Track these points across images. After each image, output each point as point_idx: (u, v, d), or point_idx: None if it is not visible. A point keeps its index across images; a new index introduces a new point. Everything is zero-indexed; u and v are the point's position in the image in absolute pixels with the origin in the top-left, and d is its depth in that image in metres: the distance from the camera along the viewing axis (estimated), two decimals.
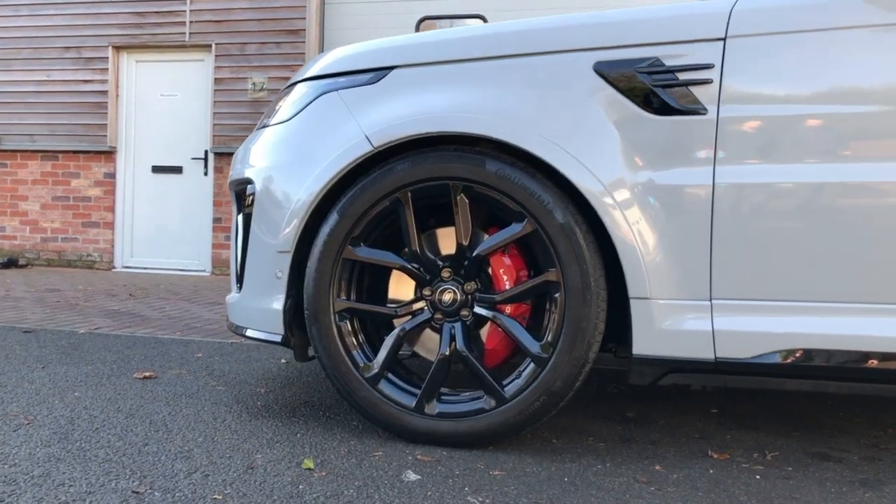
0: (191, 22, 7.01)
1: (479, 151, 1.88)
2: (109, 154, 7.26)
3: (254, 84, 6.88)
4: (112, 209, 7.31)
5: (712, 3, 1.80)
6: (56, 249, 7.43)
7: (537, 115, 1.83)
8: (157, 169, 7.24)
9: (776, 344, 1.74)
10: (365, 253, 1.96)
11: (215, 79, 6.98)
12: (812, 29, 1.72)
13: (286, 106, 2.12)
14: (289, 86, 2.20)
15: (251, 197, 2.12)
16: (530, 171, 1.84)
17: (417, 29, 6.98)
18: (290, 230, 1.99)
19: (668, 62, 1.78)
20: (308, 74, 2.11)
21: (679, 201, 1.77)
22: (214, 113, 6.99)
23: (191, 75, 7.17)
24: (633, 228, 1.77)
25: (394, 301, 2.06)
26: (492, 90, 1.88)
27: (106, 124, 7.20)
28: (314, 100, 2.05)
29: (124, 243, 7.35)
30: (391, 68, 1.98)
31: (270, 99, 6.86)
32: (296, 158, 2.02)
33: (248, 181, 2.13)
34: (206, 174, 7.11)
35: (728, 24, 1.76)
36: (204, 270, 7.13)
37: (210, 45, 7.00)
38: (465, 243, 1.91)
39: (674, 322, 1.78)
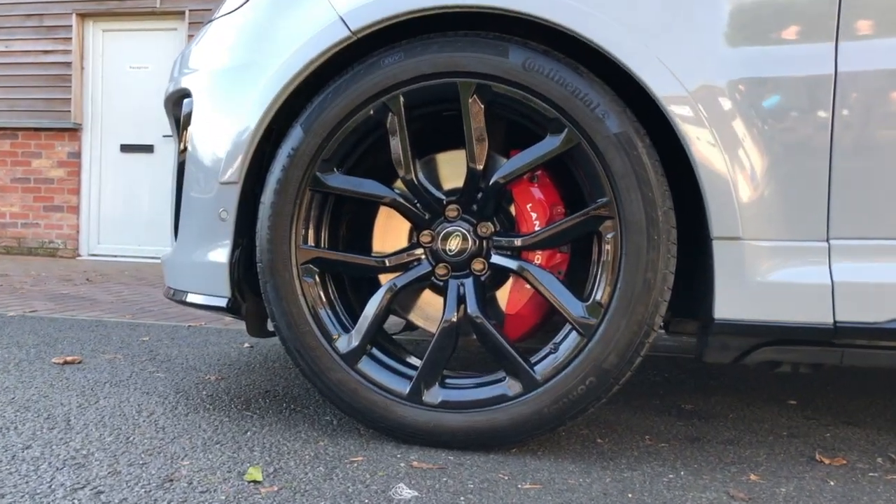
0: None
1: (499, 35, 1.34)
2: (74, 132, 6.66)
3: None
4: (77, 192, 6.72)
5: None
6: (15, 236, 6.82)
7: None
8: (126, 148, 6.65)
9: None
10: (339, 182, 1.42)
11: None
12: None
13: None
14: None
15: (189, 116, 1.57)
16: (571, 61, 1.31)
17: None
18: (238, 155, 1.44)
19: None
20: None
21: (782, 97, 1.24)
22: None
23: (162, 45, 6.58)
24: (716, 136, 1.24)
25: (381, 254, 1.52)
26: None
27: (70, 99, 6.60)
28: None
29: (90, 229, 6.75)
30: None
31: None
32: (247, 56, 1.48)
33: (186, 93, 1.59)
34: None
35: None
36: None
37: (183, 12, 6.43)
38: (479, 168, 1.37)
39: (775, 272, 1.26)
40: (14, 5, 6.71)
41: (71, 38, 6.61)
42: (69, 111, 6.61)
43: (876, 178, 1.22)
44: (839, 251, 1.24)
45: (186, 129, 1.61)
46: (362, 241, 1.56)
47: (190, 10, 6.39)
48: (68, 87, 6.61)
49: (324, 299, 1.43)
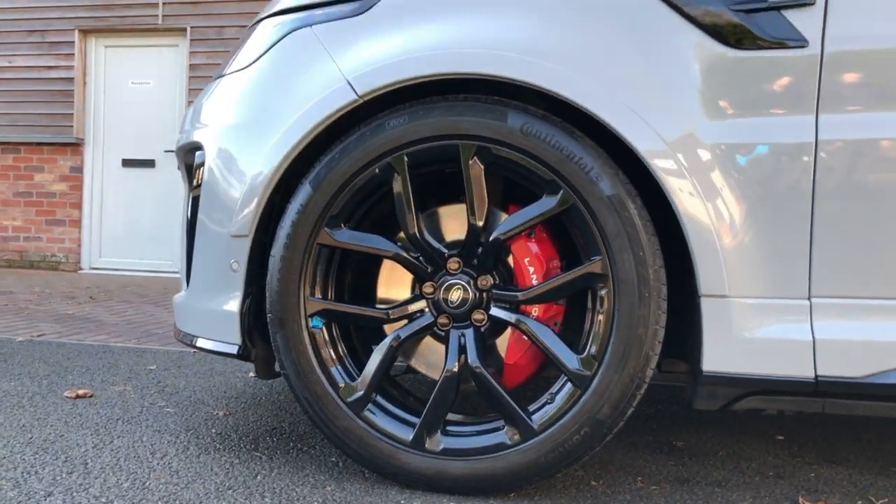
0: (164, 3, 6.50)
1: (499, 100, 1.41)
2: (76, 146, 6.73)
3: None
4: (79, 206, 6.78)
5: None
6: (17, 249, 6.88)
7: (577, 52, 1.37)
8: (127, 162, 6.72)
9: None
10: (346, 237, 1.49)
11: (191, 65, 6.48)
12: None
13: (248, 49, 1.65)
14: (254, 24, 1.72)
15: (200, 169, 1.64)
16: (567, 126, 1.38)
17: None
18: (248, 208, 1.51)
19: None
20: (277, 8, 1.64)
21: (768, 164, 1.31)
22: (190, 102, 6.47)
23: (164, 61, 6.66)
24: (706, 202, 1.31)
25: (385, 302, 1.59)
26: (515, 19, 1.41)
27: (72, 114, 6.67)
28: (282, 38, 1.58)
29: (92, 243, 6.82)
30: None
31: None
32: (258, 114, 1.55)
33: (198, 146, 1.66)
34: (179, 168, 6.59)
35: None
36: (177, 272, 6.61)
37: (185, 29, 6.50)
38: (480, 224, 1.44)
39: (760, 328, 1.33)
40: (17, 21, 6.77)
41: (73, 54, 6.68)
42: (71, 126, 6.68)
43: (854, 241, 1.29)
44: (820, 309, 1.31)
45: (196, 178, 1.68)
46: (367, 288, 1.62)
47: (192, 28, 6.46)
48: (70, 103, 6.67)
49: (331, 348, 1.50)
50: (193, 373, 2.50)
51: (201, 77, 6.42)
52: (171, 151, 6.61)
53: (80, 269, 6.82)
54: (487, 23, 1.42)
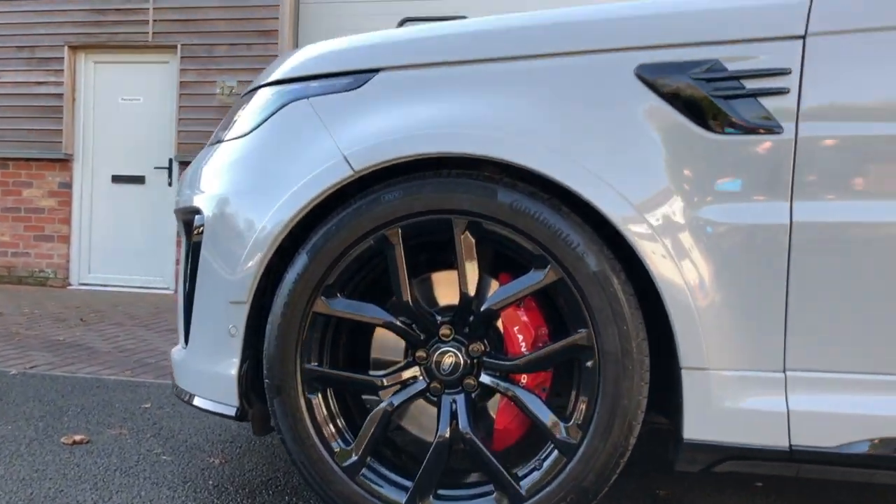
0: (154, 21, 6.52)
1: (489, 178, 1.47)
2: (65, 162, 6.73)
3: (222, 88, 6.41)
4: (68, 221, 6.78)
5: None
6: (6, 265, 6.87)
7: (564, 133, 1.43)
8: (117, 178, 6.73)
9: (868, 429, 1.35)
10: (342, 306, 1.54)
11: (181, 82, 6.50)
12: None
13: (245, 116, 1.70)
14: (249, 91, 1.78)
15: (199, 231, 1.69)
16: (555, 203, 1.44)
17: None
18: (246, 276, 1.56)
19: (732, 66, 1.39)
20: (273, 78, 1.69)
21: (746, 245, 1.37)
22: (180, 119, 6.50)
23: (154, 78, 6.67)
24: (686, 279, 1.38)
25: (379, 365, 1.65)
26: (504, 99, 1.48)
27: (61, 130, 6.67)
28: (280, 109, 1.63)
29: (81, 258, 6.82)
30: (375, 70, 1.57)
31: None
32: (255, 183, 1.60)
33: (196, 211, 1.71)
34: (170, 184, 6.62)
35: (808, 16, 1.37)
36: (168, 288, 6.64)
37: (175, 46, 6.52)
38: (471, 294, 1.50)
39: (737, 399, 1.39)
40: (6, 37, 6.77)
41: (62, 70, 6.68)
42: (60, 142, 6.68)
43: (827, 318, 1.35)
44: (794, 382, 1.38)
45: (195, 234, 1.72)
46: (362, 351, 1.68)
47: (182, 45, 6.48)
48: (59, 119, 6.68)
49: (326, 414, 1.55)
50: (188, 412, 2.55)
51: (192, 94, 6.46)
52: (161, 168, 6.64)
53: (69, 284, 6.82)
54: (476, 102, 1.48)
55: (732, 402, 1.39)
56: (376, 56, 1.58)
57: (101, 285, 6.74)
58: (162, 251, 6.63)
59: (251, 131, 1.65)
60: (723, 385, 1.39)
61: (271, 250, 1.55)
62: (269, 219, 1.54)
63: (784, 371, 1.38)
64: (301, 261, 1.53)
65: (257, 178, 1.60)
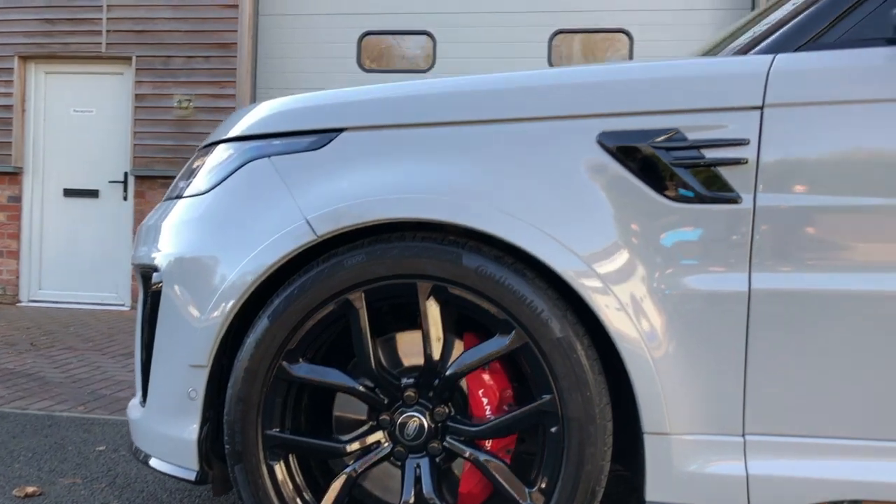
0: (108, 31, 6.37)
1: (454, 241, 1.47)
2: (14, 175, 6.53)
3: (179, 101, 6.29)
4: (17, 236, 6.58)
5: (744, 61, 1.44)
6: None
7: (527, 198, 1.44)
8: (69, 192, 6.55)
9: (828, 493, 1.39)
10: (304, 371, 1.52)
11: (136, 94, 6.36)
12: (877, 99, 1.37)
13: (205, 173, 1.66)
14: (207, 145, 1.74)
15: (158, 288, 1.65)
16: (519, 268, 1.45)
17: (360, 45, 6.57)
18: (206, 340, 1.53)
19: (692, 135, 1.41)
20: (233, 133, 1.66)
21: (706, 312, 1.40)
22: (135, 132, 6.36)
23: (108, 90, 6.52)
24: (648, 346, 1.39)
25: (343, 418, 1.63)
26: (470, 164, 1.48)
27: (10, 142, 6.46)
28: (240, 167, 1.60)
29: (31, 275, 6.62)
30: (339, 130, 1.55)
31: (198, 118, 6.30)
32: (215, 245, 1.57)
33: (155, 268, 1.67)
34: (125, 199, 6.47)
35: (766, 88, 1.40)
36: (123, 305, 6.49)
37: (130, 58, 6.38)
38: (436, 358, 1.49)
39: (698, 463, 1.41)
40: None
41: (12, 81, 6.48)
42: (10, 154, 6.48)
43: (785, 383, 1.38)
44: (753, 446, 1.40)
45: (153, 292, 1.68)
46: (325, 413, 1.66)
47: (137, 56, 6.35)
48: (9, 131, 6.48)
49: (289, 481, 1.53)
50: None
51: (148, 107, 6.33)
52: (116, 182, 6.50)
53: (19, 301, 6.62)
54: (441, 166, 1.48)
55: (693, 466, 1.41)
56: (340, 115, 1.57)
57: (53, 302, 6.55)
58: (116, 267, 6.48)
59: (211, 189, 1.62)
60: (684, 449, 1.41)
61: (232, 313, 1.52)
62: (230, 282, 1.52)
63: (743, 435, 1.40)
64: (262, 325, 1.50)
65: (217, 240, 1.57)
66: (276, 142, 1.59)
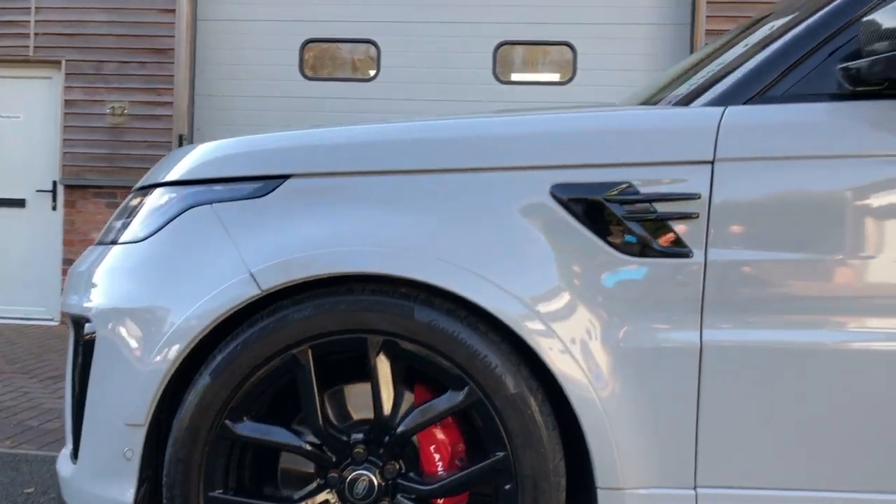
0: (36, 34, 6.08)
1: (406, 294, 1.43)
2: None
3: (113, 108, 6.06)
4: None
5: (696, 115, 1.45)
6: None
7: (481, 251, 1.42)
8: None
9: None
10: (248, 430, 1.46)
11: (66, 100, 6.09)
12: (827, 155, 1.39)
13: (142, 218, 1.58)
14: (143, 187, 1.65)
15: (91, 339, 1.55)
16: (473, 321, 1.42)
17: (302, 52, 6.44)
18: (143, 397, 1.45)
19: (644, 189, 1.41)
20: (171, 177, 1.58)
21: (658, 366, 1.40)
22: (65, 139, 6.09)
23: (36, 95, 6.22)
24: (601, 401, 1.38)
25: (290, 472, 1.57)
26: (424, 214, 1.44)
27: None
28: (180, 214, 1.53)
29: None
30: (285, 177, 1.50)
31: (132, 126, 6.08)
32: (153, 297, 1.49)
33: (87, 319, 1.57)
34: (54, 209, 6.19)
35: (716, 142, 1.41)
36: (52, 319, 6.20)
37: (59, 62, 6.10)
38: (386, 413, 1.45)
39: None
40: None
41: None
42: None
43: (736, 435, 1.39)
44: (705, 499, 1.41)
45: (85, 343, 1.59)
46: (270, 469, 1.59)
47: (67, 61, 6.08)
48: None
49: None
50: None
51: (79, 114, 6.08)
52: (45, 191, 6.22)
53: None
54: (392, 216, 1.44)
55: None
56: (285, 160, 1.51)
57: None
58: (46, 280, 6.20)
59: (149, 237, 1.54)
60: (637, 503, 1.41)
61: (171, 370, 1.45)
62: (169, 337, 1.44)
63: (695, 488, 1.41)
64: (203, 382, 1.44)
65: (155, 292, 1.49)
66: (218, 187, 1.52)
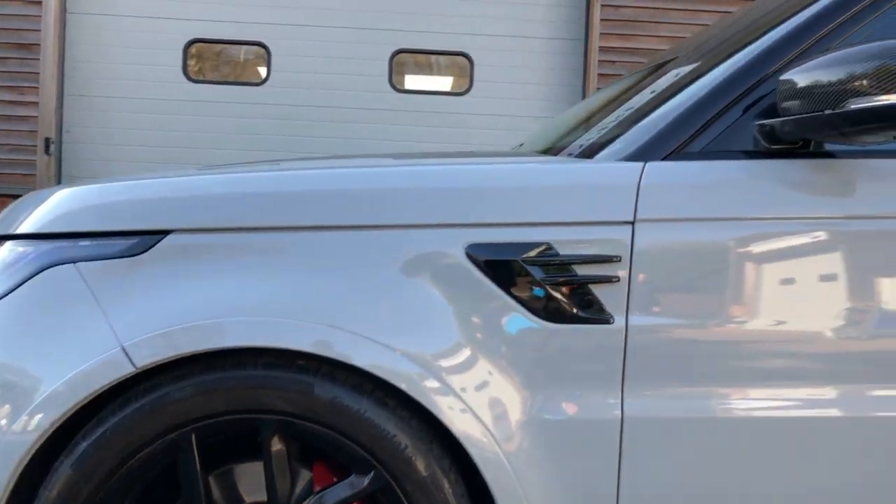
0: None
1: (304, 368, 1.28)
2: None
3: None
4: None
5: (615, 169, 1.37)
6: None
7: (387, 317, 1.29)
8: None
9: None
10: None
11: None
12: (744, 217, 1.34)
13: None
14: None
15: None
16: (380, 396, 1.28)
17: (186, 52, 6.06)
18: None
19: (564, 250, 1.32)
20: (25, 229, 1.35)
21: (579, 440, 1.32)
22: None
23: None
24: (520, 481, 1.29)
25: None
26: (325, 276, 1.30)
27: None
28: (37, 273, 1.30)
29: None
30: (164, 233, 1.30)
31: None
32: (12, 363, 1.26)
33: None
34: None
35: (637, 201, 1.34)
36: None
37: None
38: (282, 500, 1.29)
39: None
40: None
41: None
42: None
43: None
44: None
45: None
46: None
47: None
48: None
49: None
50: None
51: None
52: None
53: None
54: (288, 281, 1.29)
55: None
56: (164, 213, 1.32)
57: None
58: None
59: (2, 297, 1.30)
60: None
61: (24, 460, 1.23)
62: (22, 423, 1.22)
63: None
64: (63, 474, 1.23)
65: (7, 367, 1.26)
66: (84, 243, 1.31)
